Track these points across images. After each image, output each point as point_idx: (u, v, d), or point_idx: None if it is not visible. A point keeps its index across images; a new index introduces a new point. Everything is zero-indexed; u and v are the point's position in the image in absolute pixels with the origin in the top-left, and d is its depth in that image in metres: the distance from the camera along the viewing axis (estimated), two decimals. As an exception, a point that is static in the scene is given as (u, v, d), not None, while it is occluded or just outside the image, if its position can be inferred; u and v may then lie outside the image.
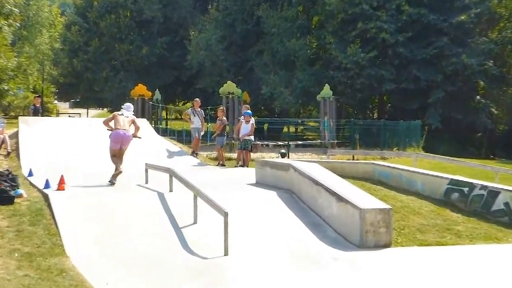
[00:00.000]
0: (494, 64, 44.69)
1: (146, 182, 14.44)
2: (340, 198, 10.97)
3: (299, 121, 49.07)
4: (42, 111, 25.32)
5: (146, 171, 14.76)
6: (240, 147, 21.19)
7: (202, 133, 22.42)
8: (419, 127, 36.65)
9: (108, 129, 14.78)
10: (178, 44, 51.45)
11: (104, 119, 15.56)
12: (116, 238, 9.96)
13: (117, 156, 14.52)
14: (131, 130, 14.86)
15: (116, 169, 14.39)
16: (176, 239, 10.05)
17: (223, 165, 21.45)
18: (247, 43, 48.64)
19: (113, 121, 14.73)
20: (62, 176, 13.26)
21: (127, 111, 15.08)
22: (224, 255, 9.32)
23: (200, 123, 22.18)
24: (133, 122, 15.05)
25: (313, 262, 9.32)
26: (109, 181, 14.13)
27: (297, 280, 8.48)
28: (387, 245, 10.21)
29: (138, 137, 15.20)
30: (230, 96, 35.15)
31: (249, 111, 21.46)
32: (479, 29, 46.52)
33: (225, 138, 22.89)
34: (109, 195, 12.65)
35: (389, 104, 52.32)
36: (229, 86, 35.54)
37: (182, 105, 64.30)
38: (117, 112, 14.99)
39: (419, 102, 43.06)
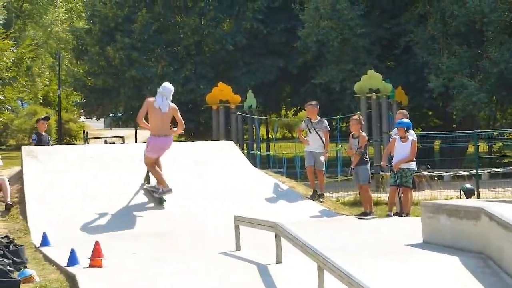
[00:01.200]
0: None
1: (238, 248, 14.50)
2: None
3: (495, 133, 48.27)
4: (49, 141, 25.71)
5: (237, 228, 14.80)
6: (394, 183, 20.92)
7: (324, 159, 22.32)
8: None
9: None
10: (283, 13, 51.97)
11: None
12: None
13: (156, 163, 16.44)
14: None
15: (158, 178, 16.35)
16: None
17: (368, 214, 21.27)
18: (399, 4, 48.36)
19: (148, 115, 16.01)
20: (97, 243, 13.20)
21: (163, 98, 15.85)
22: None
23: (322, 144, 22.14)
24: (175, 115, 16.07)
25: None
26: (158, 195, 15.08)
27: None
28: None
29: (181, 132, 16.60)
30: (374, 95, 35.06)
31: (407, 121, 21.14)
32: None
33: (370, 168, 22.63)
34: (177, 274, 12.74)
35: None
36: (372, 79, 35.47)
37: (293, 115, 64.74)
38: (151, 99, 15.95)
39: None
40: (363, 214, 21.12)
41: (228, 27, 51.21)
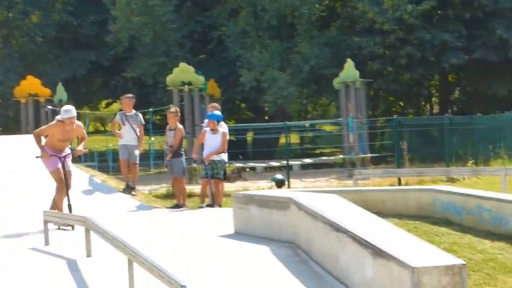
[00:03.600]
0: None
1: (47, 243, 14.43)
2: (377, 252, 11.03)
3: (306, 124, 49.18)
4: None
5: (46, 223, 14.71)
6: (206, 175, 21.13)
7: (138, 152, 22.40)
8: (513, 125, 36.94)
9: None
10: (94, 5, 51.37)
11: None
12: None
13: None
14: None
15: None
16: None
17: (180, 206, 21.45)
18: (211, -1, 48.92)
19: None
20: None
21: None
22: None
23: (136, 137, 22.20)
24: None
25: None
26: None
27: None
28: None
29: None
30: (186, 88, 35.21)
31: (217, 113, 21.33)
32: None
33: (185, 160, 22.78)
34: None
35: (458, 88, 52.71)
36: (183, 72, 35.57)
37: (105, 107, 64.30)
38: None
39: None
40: (176, 207, 21.31)
41: (38, 19, 50.43)
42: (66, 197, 16.01)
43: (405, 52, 42.29)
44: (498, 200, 15.87)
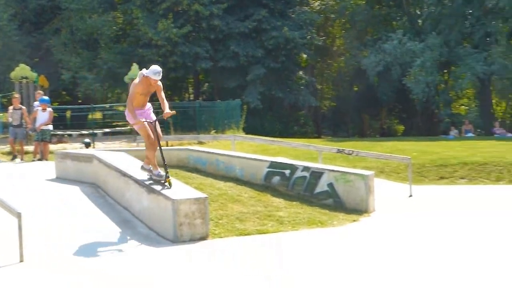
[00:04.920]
0: (318, 35, 47.03)
1: None
2: (150, 190, 11.08)
3: (107, 106, 48.49)
4: None
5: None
6: (37, 139, 21.34)
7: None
8: (239, 107, 37.59)
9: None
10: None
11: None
12: None
13: None
14: None
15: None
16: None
17: (16, 157, 21.99)
18: (42, 20, 47.06)
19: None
20: None
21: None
22: (20, 262, 9.06)
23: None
24: None
25: (117, 261, 9.30)
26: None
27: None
28: (203, 238, 10.46)
29: None
30: (24, 81, 33.97)
31: (45, 98, 21.95)
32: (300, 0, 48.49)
33: (24, 130, 22.53)
34: None
35: (207, 84, 53.25)
36: (22, 70, 34.33)
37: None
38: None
39: (239, 80, 44.15)
40: (14, 158, 22.15)
41: None
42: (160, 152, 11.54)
43: (172, 60, 42.39)
44: (229, 156, 16.23)
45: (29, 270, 8.75)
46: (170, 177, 11.37)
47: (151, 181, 11.45)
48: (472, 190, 17.38)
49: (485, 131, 39.44)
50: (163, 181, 11.31)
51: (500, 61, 39.03)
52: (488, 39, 41.49)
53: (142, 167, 11.93)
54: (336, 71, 54.19)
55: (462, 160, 20.93)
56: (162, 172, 11.48)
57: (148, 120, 11.49)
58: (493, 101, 47.82)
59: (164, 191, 10.76)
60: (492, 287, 7.94)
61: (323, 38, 49.64)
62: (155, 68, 11.36)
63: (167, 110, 11.36)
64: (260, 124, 42.22)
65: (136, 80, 11.54)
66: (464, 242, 10.62)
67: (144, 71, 11.47)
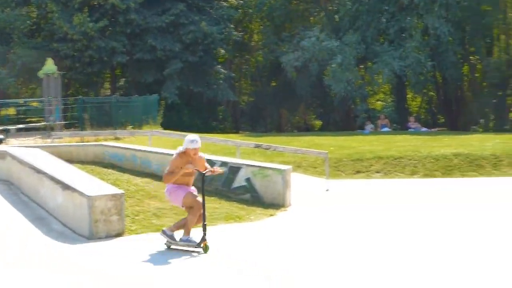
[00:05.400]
0: (236, 30, 47.19)
1: None
2: (66, 186, 10.98)
3: (21, 101, 47.45)
4: None
5: None
6: None
7: None
8: (157, 102, 37.38)
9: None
10: None
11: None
12: None
13: None
14: None
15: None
16: None
17: None
18: None
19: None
20: None
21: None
22: None
23: None
24: None
25: (29, 260, 9.16)
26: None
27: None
28: (120, 234, 10.44)
29: None
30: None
31: None
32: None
33: None
34: None
35: (123, 79, 52.69)
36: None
37: None
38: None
39: (156, 75, 43.86)
40: None
41: None
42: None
43: (88, 54, 41.76)
44: (145, 151, 16.23)
45: None
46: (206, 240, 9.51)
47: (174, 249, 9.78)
48: (387, 184, 17.84)
49: (400, 125, 40.36)
50: (195, 246, 9.56)
51: (415, 55, 40.01)
52: (403, 34, 42.39)
53: (164, 233, 9.85)
54: (254, 66, 54.49)
55: (378, 154, 21.44)
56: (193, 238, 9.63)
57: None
58: (408, 96, 48.92)
59: (80, 188, 10.68)
60: (397, 274, 8.24)
61: (241, 33, 49.87)
62: (189, 136, 9.76)
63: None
64: (178, 119, 42.07)
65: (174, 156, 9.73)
66: (376, 235, 10.94)
67: (179, 148, 9.77)
